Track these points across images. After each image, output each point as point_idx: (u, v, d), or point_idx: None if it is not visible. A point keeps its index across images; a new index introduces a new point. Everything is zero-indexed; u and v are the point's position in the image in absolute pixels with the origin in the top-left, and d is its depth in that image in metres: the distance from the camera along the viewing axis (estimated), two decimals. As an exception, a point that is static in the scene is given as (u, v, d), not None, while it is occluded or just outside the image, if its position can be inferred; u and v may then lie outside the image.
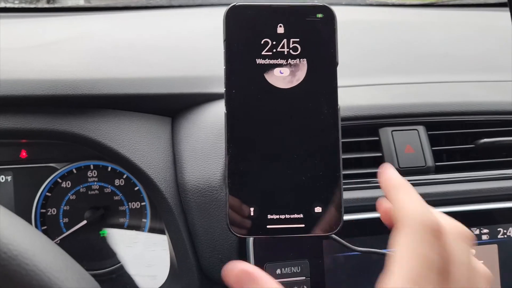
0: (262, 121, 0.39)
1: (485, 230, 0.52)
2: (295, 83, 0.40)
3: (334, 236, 0.43)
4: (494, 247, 0.52)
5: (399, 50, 0.73)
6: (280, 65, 0.39)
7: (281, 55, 0.39)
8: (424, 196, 0.52)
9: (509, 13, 0.92)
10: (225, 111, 0.39)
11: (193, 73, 0.58)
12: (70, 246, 0.58)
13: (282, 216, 0.39)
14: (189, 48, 0.67)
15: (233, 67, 0.40)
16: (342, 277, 0.49)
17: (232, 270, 0.29)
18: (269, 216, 0.39)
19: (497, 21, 0.90)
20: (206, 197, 0.50)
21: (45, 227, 0.61)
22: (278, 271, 0.47)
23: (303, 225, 0.39)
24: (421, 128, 0.55)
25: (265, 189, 0.39)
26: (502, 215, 0.52)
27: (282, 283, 0.47)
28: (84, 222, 0.60)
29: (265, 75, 0.39)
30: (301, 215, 0.39)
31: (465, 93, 0.60)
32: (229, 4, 0.40)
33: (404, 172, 0.54)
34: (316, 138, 0.39)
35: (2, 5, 0.90)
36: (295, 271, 0.48)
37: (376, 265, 0.50)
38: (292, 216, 0.39)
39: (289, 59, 0.40)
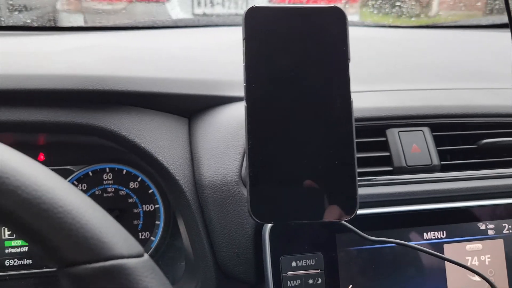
0: (280, 113, 0.42)
1: (491, 226, 0.54)
2: (310, 78, 0.42)
3: (345, 223, 0.45)
4: (500, 241, 0.54)
5: (402, 60, 0.76)
6: (296, 61, 0.42)
7: (296, 52, 0.42)
8: (431, 192, 0.55)
9: (501, 33, 0.97)
10: (245, 104, 0.42)
11: (210, 77, 0.61)
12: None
13: (300, 202, 0.41)
14: (206, 57, 0.70)
15: (252, 63, 0.42)
16: (355, 269, 0.50)
17: None
18: (288, 202, 0.41)
19: (490, 38, 0.95)
20: (223, 192, 0.51)
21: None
22: (293, 264, 0.49)
23: (319, 211, 0.41)
24: (426, 129, 0.58)
25: (283, 176, 0.41)
26: (506, 211, 0.54)
27: (297, 275, 0.48)
28: (99, 223, 0.61)
29: (282, 70, 0.42)
30: (318, 201, 0.41)
31: (467, 97, 0.63)
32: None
33: (411, 170, 0.56)
34: (332, 128, 0.42)
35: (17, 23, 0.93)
36: (309, 263, 0.49)
37: (386, 257, 0.52)
38: (309, 202, 0.41)
39: (305, 56, 0.42)
